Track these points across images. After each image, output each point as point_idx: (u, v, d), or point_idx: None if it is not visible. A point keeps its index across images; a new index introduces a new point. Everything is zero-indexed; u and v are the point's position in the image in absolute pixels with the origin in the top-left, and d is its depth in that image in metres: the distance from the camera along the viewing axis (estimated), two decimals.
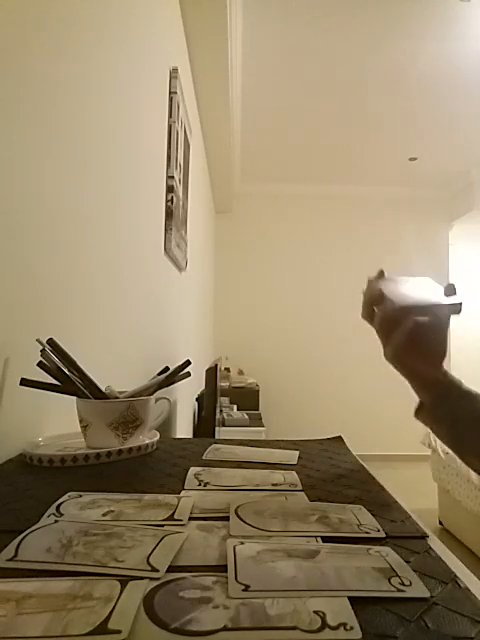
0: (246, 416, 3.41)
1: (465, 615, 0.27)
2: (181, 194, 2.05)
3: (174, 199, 1.81)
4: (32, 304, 0.68)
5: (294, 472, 0.54)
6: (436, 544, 0.36)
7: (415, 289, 0.61)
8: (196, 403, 2.94)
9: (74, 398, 0.63)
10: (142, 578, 0.29)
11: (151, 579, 0.29)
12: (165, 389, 0.72)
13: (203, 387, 2.38)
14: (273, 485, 0.49)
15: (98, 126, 0.96)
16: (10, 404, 0.61)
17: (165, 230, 1.77)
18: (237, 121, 3.40)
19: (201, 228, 3.30)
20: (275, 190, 4.81)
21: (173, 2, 1.89)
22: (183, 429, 2.35)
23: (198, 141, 2.96)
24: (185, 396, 2.43)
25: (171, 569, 0.31)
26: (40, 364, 0.60)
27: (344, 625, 0.25)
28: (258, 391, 4.12)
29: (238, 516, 0.40)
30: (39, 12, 0.69)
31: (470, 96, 3.12)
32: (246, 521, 0.39)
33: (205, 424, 2.22)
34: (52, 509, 0.41)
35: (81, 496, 0.45)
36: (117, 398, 0.67)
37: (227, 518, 0.40)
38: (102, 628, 0.24)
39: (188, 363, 0.73)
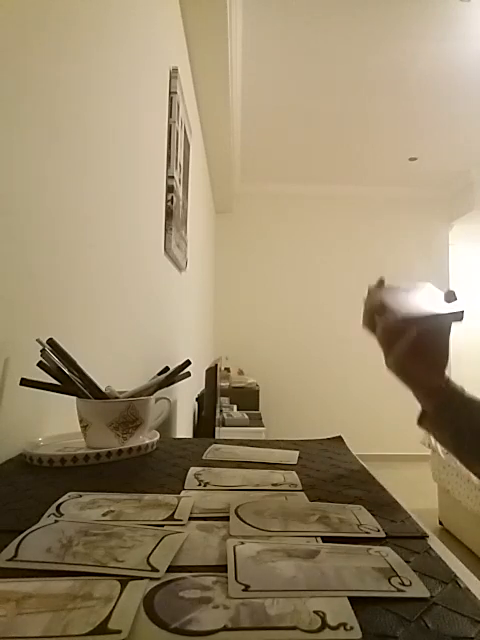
0: (246, 416, 3.41)
1: (465, 615, 0.27)
2: (181, 194, 2.05)
3: (174, 199, 1.81)
4: (32, 304, 0.68)
5: (294, 472, 0.54)
6: (436, 544, 0.36)
7: (416, 298, 0.61)
8: (196, 403, 2.94)
9: (74, 398, 0.63)
10: (142, 578, 0.29)
11: (151, 579, 0.29)
12: (165, 389, 0.72)
13: (203, 387, 2.38)
14: (273, 485, 0.49)
15: (98, 126, 0.96)
16: (10, 404, 0.61)
17: (165, 230, 1.77)
18: (237, 121, 3.40)
19: (201, 228, 3.30)
20: (275, 190, 4.81)
21: (173, 2, 1.89)
22: (183, 429, 2.35)
23: (198, 141, 2.96)
24: (185, 396, 2.43)
25: (171, 569, 0.31)
26: (40, 364, 0.60)
27: (344, 625, 0.25)
28: (258, 391, 4.12)
29: (238, 516, 0.40)
30: (39, 12, 0.69)
31: (470, 96, 3.12)
32: (246, 521, 0.39)
33: (205, 424, 2.22)
34: (52, 509, 0.41)
35: (81, 496, 0.45)
36: (117, 398, 0.67)
37: (227, 518, 0.40)
38: (102, 628, 0.24)
39: (188, 363, 0.73)
